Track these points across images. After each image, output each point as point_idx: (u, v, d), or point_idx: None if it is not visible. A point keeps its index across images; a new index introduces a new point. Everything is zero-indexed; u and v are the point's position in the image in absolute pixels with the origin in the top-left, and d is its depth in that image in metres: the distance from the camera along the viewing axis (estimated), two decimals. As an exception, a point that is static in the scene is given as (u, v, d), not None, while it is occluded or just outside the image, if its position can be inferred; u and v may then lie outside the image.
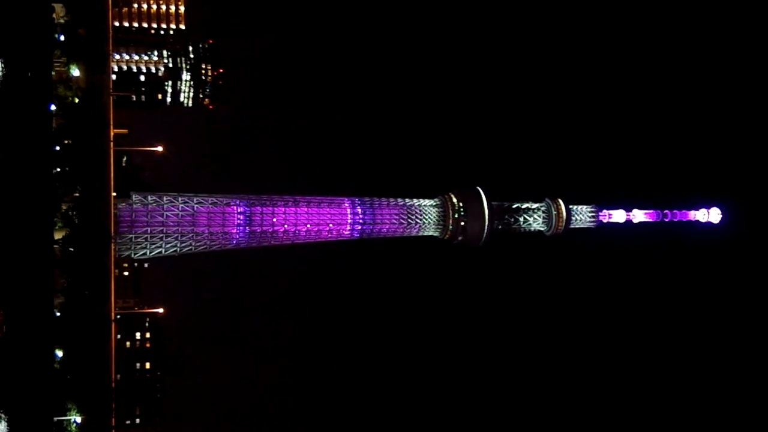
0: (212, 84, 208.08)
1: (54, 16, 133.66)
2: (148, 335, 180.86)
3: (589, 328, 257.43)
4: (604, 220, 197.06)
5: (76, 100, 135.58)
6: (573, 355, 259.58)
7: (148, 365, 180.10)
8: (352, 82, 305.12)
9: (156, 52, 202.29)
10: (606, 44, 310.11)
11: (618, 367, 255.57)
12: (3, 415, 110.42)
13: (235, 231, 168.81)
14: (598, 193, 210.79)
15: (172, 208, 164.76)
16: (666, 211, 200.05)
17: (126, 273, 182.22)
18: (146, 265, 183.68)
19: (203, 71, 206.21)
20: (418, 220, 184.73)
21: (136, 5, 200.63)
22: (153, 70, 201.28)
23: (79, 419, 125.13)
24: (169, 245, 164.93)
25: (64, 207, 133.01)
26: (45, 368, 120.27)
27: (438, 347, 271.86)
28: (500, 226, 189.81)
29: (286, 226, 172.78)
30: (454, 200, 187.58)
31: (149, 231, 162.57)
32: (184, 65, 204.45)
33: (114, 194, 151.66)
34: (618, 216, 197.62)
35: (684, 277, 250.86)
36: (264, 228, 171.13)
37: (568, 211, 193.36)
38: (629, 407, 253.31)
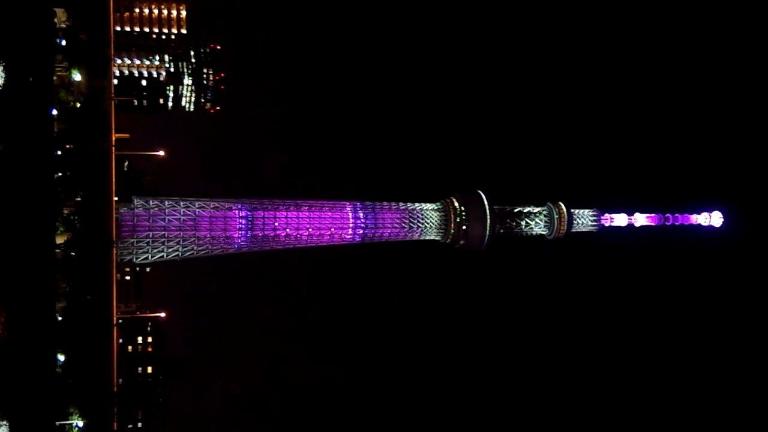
0: (214, 88, 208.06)
1: (55, 20, 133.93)
2: (149, 339, 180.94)
3: (592, 331, 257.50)
4: (606, 224, 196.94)
5: (78, 105, 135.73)
6: (575, 358, 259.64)
7: (150, 369, 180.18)
8: (353, 86, 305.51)
9: (157, 57, 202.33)
10: (606, 47, 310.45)
11: (620, 369, 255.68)
12: (5, 419, 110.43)
13: (236, 235, 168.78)
14: (599, 197, 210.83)
15: (174, 213, 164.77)
16: (668, 214, 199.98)
17: (128, 277, 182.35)
18: (148, 269, 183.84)
19: (205, 76, 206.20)
20: (420, 224, 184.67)
21: (137, 10, 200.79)
22: (154, 74, 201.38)
23: (81, 423, 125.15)
24: (170, 249, 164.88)
25: (65, 211, 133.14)
26: (47, 372, 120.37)
27: (440, 350, 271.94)
28: (502, 230, 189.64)
29: (287, 230, 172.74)
30: (456, 204, 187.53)
31: (151, 235, 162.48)
32: (185, 70, 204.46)
33: (116, 198, 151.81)
34: (620, 220, 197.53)
35: (686, 280, 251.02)
36: (266, 232, 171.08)
37: (570, 215, 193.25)
38: (631, 408, 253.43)
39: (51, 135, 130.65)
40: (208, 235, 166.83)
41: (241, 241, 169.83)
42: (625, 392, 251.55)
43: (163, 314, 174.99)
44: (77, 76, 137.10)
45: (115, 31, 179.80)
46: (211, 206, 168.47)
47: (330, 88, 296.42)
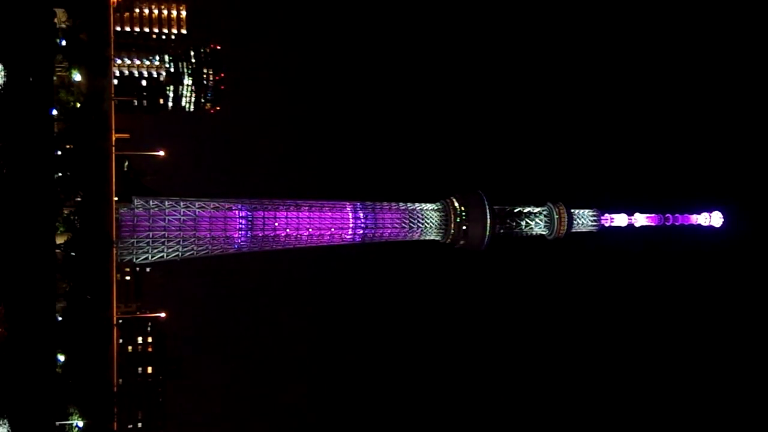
0: (214, 88, 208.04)
1: (56, 20, 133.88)
2: (149, 339, 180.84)
3: (592, 331, 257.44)
4: (606, 224, 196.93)
5: (78, 105, 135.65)
6: (575, 358, 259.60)
7: (149, 369, 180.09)
8: (354, 86, 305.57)
9: (157, 57, 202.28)
10: (606, 47, 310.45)
11: (620, 369, 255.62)
12: (5, 419, 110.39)
13: (236, 235, 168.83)
14: (600, 197, 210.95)
15: (174, 213, 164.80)
16: (668, 215, 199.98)
17: (128, 277, 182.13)
18: (148, 269, 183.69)
19: (205, 76, 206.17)
20: (420, 225, 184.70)
21: (137, 10, 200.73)
22: (154, 74, 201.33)
23: (81, 423, 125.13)
24: (170, 250, 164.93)
25: (65, 211, 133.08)
26: (47, 372, 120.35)
27: (440, 351, 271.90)
28: (502, 231, 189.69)
29: (287, 230, 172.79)
30: (456, 204, 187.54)
31: (151, 235, 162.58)
32: (185, 70, 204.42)
33: (116, 199, 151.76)
34: (620, 220, 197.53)
35: (686, 280, 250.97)
36: (266, 232, 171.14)
37: (570, 215, 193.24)
38: (631, 409, 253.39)
39: (51, 135, 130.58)
40: (208, 236, 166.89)
41: (241, 242, 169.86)
42: (625, 392, 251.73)
43: (163, 314, 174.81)
44: (77, 77, 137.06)
45: (115, 31, 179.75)
46: (211, 206, 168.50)
47: (330, 88, 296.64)
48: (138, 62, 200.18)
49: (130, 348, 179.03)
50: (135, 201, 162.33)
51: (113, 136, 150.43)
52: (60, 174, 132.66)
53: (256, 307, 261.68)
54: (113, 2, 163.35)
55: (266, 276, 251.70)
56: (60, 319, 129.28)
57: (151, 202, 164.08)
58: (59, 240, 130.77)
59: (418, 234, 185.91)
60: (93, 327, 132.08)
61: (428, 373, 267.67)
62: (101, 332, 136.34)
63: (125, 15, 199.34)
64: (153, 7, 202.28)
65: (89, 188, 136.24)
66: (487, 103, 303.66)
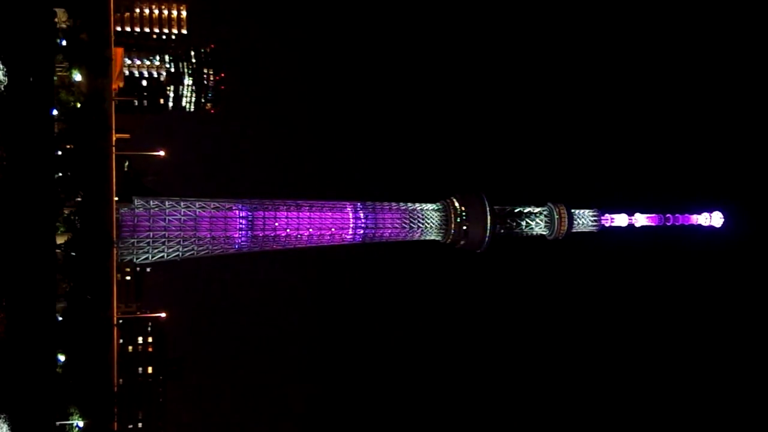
0: (214, 88, 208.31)
1: (56, 20, 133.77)
2: (150, 340, 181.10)
3: (592, 332, 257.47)
4: (607, 225, 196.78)
5: (78, 105, 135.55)
6: (575, 358, 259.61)
7: (150, 369, 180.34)
8: (354, 86, 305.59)
9: (158, 57, 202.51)
10: (606, 47, 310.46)
11: (621, 369, 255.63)
12: (5, 420, 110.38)
13: (237, 235, 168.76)
14: (600, 197, 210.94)
15: (174, 213, 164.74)
16: (668, 215, 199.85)
17: (128, 277, 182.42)
18: (148, 269, 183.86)
19: (205, 76, 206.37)
20: (420, 225, 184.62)
21: (137, 10, 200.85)
22: (155, 74, 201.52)
23: (81, 423, 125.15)
24: (171, 250, 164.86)
25: (66, 211, 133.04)
26: (47, 373, 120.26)
27: (440, 351, 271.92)
28: (502, 231, 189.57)
29: (288, 230, 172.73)
30: (456, 204, 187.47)
31: (151, 235, 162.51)
32: (186, 70, 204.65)
33: (116, 199, 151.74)
34: (620, 220, 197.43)
35: (686, 280, 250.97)
36: (266, 232, 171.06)
37: (570, 215, 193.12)
38: (631, 409, 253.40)
39: (51, 135, 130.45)
40: (209, 236, 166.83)
41: (242, 242, 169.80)
42: (626, 393, 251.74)
43: (163, 314, 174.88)
44: (77, 77, 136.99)
45: (116, 31, 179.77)
46: (212, 206, 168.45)
47: (330, 89, 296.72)
48: (138, 62, 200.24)
49: (130, 348, 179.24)
50: (135, 201, 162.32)
51: (113, 136, 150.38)
52: (60, 174, 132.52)
53: (256, 307, 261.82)
54: (115, 74, 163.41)
55: (266, 276, 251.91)
56: (60, 319, 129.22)
57: (151, 202, 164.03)
58: (59, 240, 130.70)
59: (419, 234, 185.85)
60: (93, 327, 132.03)
61: (428, 374, 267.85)
62: (101, 332, 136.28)
63: (125, 15, 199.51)
64: (153, 7, 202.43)
65: (89, 188, 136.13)
66: (487, 103, 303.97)
